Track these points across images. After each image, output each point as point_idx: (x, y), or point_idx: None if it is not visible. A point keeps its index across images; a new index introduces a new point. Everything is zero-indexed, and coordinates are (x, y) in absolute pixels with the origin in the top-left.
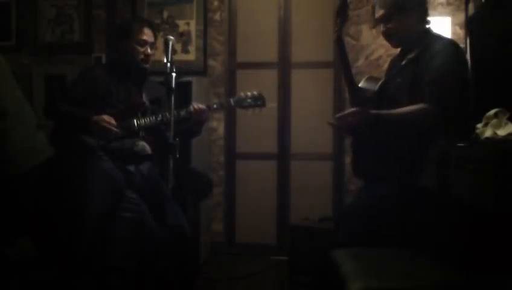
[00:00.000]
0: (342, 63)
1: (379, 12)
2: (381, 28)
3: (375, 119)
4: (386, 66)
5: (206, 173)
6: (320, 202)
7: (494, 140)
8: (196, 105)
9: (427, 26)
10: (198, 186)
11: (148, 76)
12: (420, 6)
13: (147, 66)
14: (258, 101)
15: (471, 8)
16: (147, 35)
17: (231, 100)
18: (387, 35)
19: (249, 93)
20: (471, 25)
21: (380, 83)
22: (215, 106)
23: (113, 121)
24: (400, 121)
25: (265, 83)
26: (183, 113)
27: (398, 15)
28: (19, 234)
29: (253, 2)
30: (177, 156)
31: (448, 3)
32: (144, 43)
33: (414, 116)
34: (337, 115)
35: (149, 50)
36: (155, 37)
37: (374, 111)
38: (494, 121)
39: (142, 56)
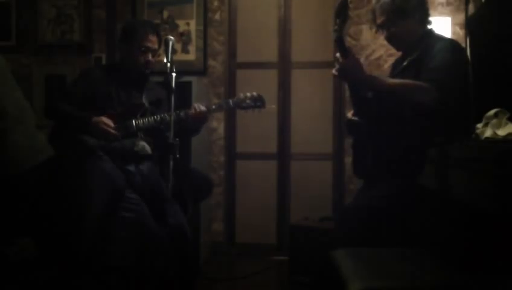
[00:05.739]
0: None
1: (380, 19)
2: (384, 33)
3: (370, 79)
4: (386, 66)
5: (206, 173)
6: (320, 202)
7: (494, 140)
8: (198, 107)
9: (429, 26)
10: (198, 187)
11: (148, 78)
12: (420, 8)
13: (148, 71)
14: (258, 102)
15: (471, 8)
16: (151, 42)
17: (230, 101)
18: (390, 40)
19: (248, 94)
20: (471, 25)
21: None
22: (214, 107)
23: (111, 123)
24: (394, 89)
25: (265, 83)
26: (182, 114)
27: (399, 20)
28: (19, 234)
29: (253, 2)
30: (177, 156)
31: (448, 3)
32: (147, 49)
33: (410, 88)
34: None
35: (151, 57)
36: (159, 44)
37: (369, 74)
38: (494, 121)
39: (143, 62)
